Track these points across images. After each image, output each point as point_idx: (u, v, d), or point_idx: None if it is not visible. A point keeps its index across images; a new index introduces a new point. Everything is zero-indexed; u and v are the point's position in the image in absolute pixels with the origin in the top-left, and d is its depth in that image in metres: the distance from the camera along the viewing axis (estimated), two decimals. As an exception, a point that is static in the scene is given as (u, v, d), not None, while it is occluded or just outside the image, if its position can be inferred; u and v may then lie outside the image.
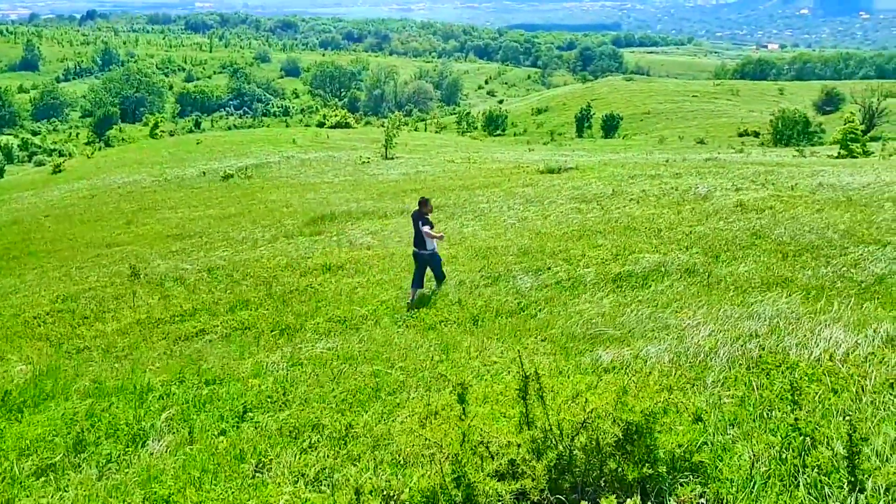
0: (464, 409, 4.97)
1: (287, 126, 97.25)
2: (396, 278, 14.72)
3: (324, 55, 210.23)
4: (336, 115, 78.38)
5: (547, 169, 29.82)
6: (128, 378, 10.17)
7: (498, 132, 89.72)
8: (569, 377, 7.45)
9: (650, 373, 7.69)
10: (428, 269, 13.53)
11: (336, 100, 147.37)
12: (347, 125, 74.41)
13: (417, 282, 13.35)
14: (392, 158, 42.50)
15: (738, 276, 12.52)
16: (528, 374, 5.14)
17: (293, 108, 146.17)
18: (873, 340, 7.96)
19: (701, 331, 9.36)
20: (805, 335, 8.50)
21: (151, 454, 7.58)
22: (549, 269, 14.09)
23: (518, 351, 6.55)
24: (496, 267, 14.54)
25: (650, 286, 12.54)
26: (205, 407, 8.79)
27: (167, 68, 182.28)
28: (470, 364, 9.47)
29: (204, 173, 39.23)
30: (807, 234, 14.74)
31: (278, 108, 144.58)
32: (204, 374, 10.01)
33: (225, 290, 15.62)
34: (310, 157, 43.53)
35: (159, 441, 7.90)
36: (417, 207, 13.56)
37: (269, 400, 8.72)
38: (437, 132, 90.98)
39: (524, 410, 5.08)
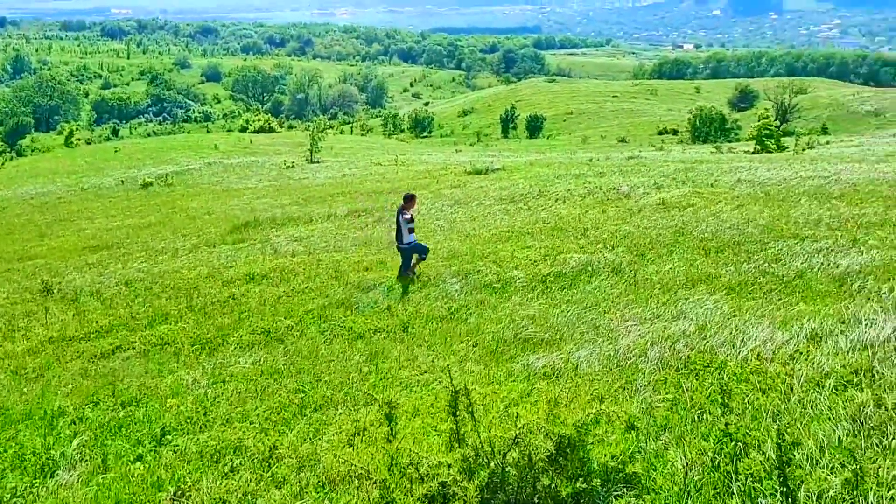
0: (392, 428, 4.74)
1: (209, 132, 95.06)
2: (323, 286, 14.38)
3: (245, 60, 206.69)
4: (259, 120, 77.27)
5: (474, 170, 29.78)
6: (37, 403, 9.62)
7: (425, 134, 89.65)
8: (501, 385, 7.31)
9: (582, 381, 7.59)
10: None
11: (259, 104, 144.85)
12: (271, 129, 73.50)
13: (404, 270, 14.17)
14: (318, 162, 41.96)
15: (663, 274, 12.61)
16: (457, 388, 4.94)
17: (215, 113, 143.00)
18: (798, 337, 8.04)
19: (630, 332, 9.34)
20: (732, 333, 8.55)
21: (61, 485, 7.15)
22: (479, 271, 13.97)
23: (447, 365, 6.36)
24: (425, 271, 14.35)
25: (579, 286, 12.53)
26: (120, 431, 8.36)
27: (82, 75, 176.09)
28: (399, 374, 9.25)
29: (122, 182, 38.07)
30: (728, 230, 14.98)
31: (199, 113, 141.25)
32: (120, 395, 9.54)
33: (143, 303, 15.00)
34: (232, 162, 42.63)
35: (70, 470, 7.46)
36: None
37: (189, 421, 8.34)
38: (363, 135, 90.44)
39: (454, 427, 4.88)
